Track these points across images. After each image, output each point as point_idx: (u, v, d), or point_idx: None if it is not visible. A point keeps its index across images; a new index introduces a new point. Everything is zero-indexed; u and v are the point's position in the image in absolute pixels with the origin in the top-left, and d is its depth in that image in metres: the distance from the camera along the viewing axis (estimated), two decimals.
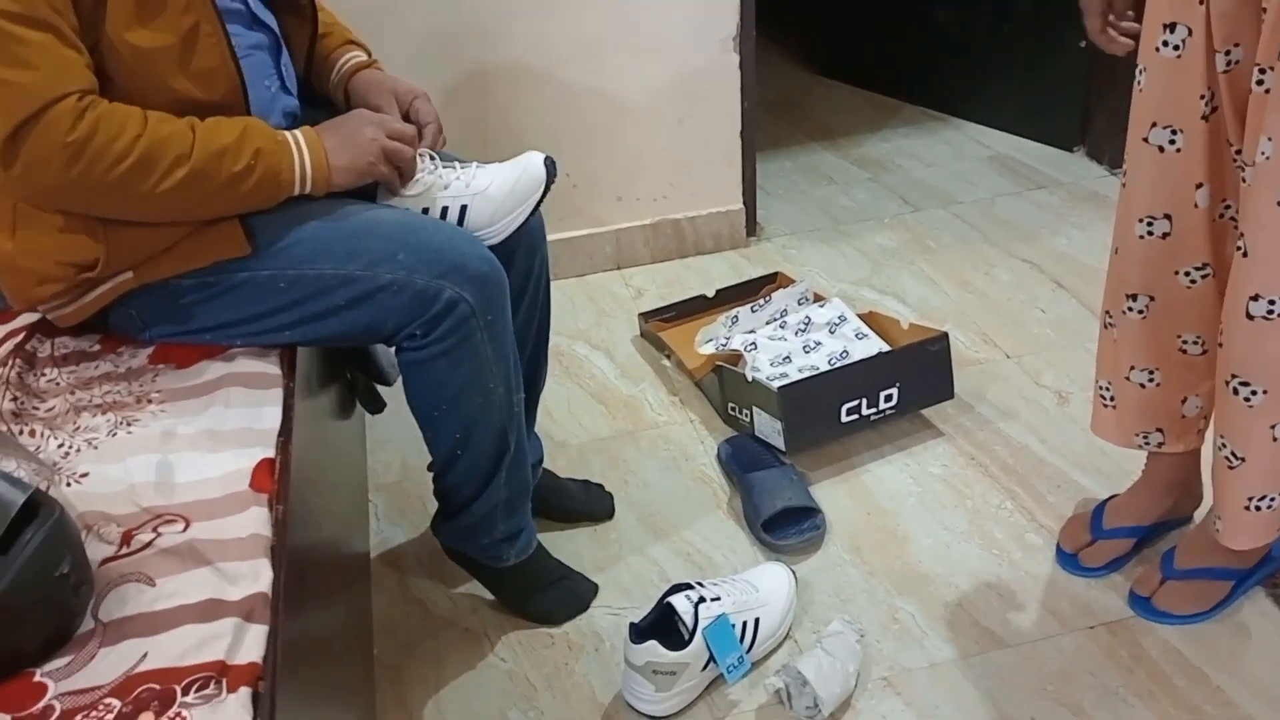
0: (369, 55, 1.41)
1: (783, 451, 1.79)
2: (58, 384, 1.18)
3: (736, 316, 2.09)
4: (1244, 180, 1.19)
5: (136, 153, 1.07)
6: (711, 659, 1.42)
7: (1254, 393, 1.24)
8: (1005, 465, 1.81)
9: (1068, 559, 1.58)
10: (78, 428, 1.11)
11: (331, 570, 1.30)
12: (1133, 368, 1.43)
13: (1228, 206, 1.29)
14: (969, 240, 2.47)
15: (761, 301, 2.11)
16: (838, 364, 1.92)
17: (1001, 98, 2.91)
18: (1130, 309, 1.39)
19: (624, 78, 2.25)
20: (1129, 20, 1.32)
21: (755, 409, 1.82)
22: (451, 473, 1.38)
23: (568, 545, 1.69)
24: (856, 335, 2.00)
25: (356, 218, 1.21)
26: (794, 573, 1.56)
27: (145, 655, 0.85)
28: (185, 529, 0.98)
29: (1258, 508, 1.32)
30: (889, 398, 1.81)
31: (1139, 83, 1.28)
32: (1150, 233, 1.33)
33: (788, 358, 1.99)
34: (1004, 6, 2.83)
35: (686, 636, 1.40)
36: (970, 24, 2.91)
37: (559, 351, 2.14)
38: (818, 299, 2.14)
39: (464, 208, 1.27)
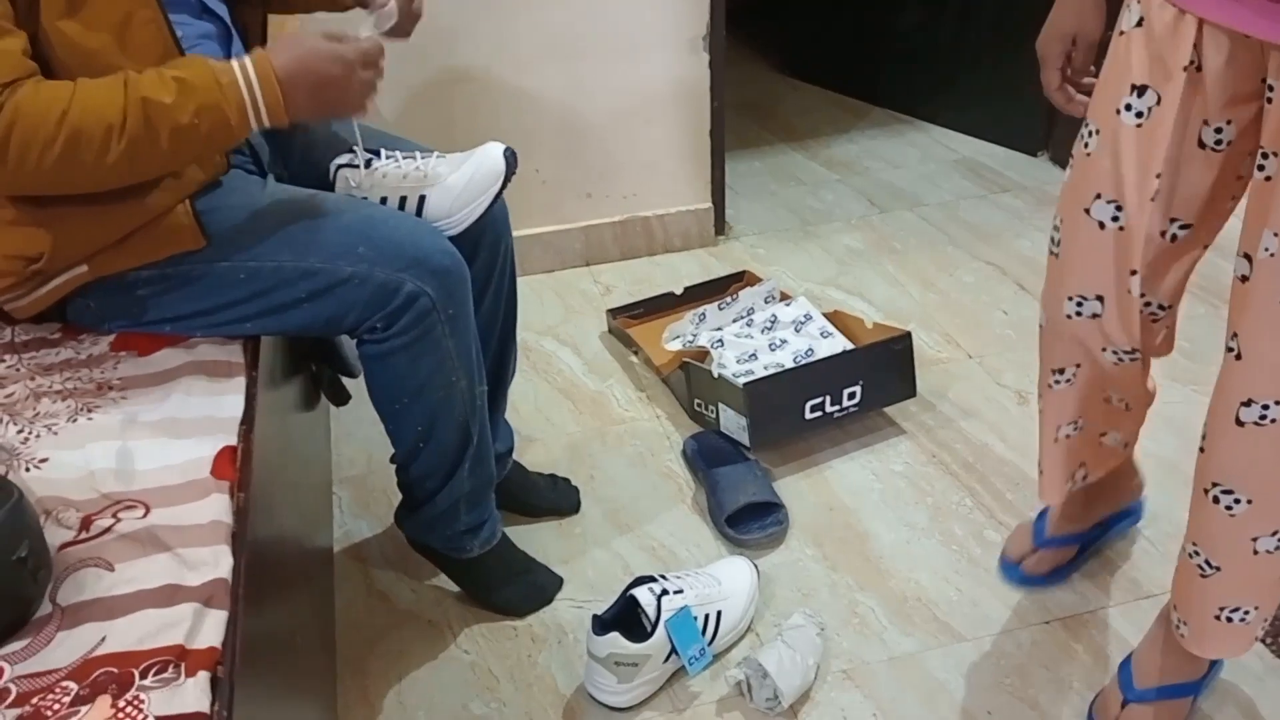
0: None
1: (747, 447, 1.80)
2: (17, 370, 1.17)
3: (704, 314, 2.10)
4: (1241, 277, 1.08)
5: (64, 133, 1.01)
6: (674, 651, 1.43)
7: (1237, 501, 1.15)
8: (965, 463, 1.84)
9: (1011, 568, 1.57)
10: (37, 414, 1.11)
11: (294, 561, 1.30)
12: (1059, 426, 1.37)
13: (1148, 301, 1.21)
14: (934, 242, 2.50)
15: (729, 299, 2.12)
16: (803, 362, 1.94)
17: (967, 102, 2.95)
18: (1058, 381, 1.33)
19: (594, 77, 2.26)
20: (1090, 77, 1.21)
21: (721, 405, 1.83)
22: (414, 465, 1.38)
23: (533, 539, 1.69)
24: (821, 334, 2.02)
25: (316, 210, 1.21)
26: (756, 567, 1.57)
27: (103, 639, 0.85)
28: (145, 515, 0.98)
29: (1229, 619, 1.23)
30: (852, 395, 1.83)
31: (1086, 144, 1.17)
32: (1079, 313, 1.24)
33: (754, 355, 2.00)
34: (970, 12, 2.86)
35: (649, 629, 1.42)
36: (937, 29, 2.95)
37: (527, 347, 2.14)
38: (784, 298, 2.16)
39: (422, 198, 1.27)
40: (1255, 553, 1.18)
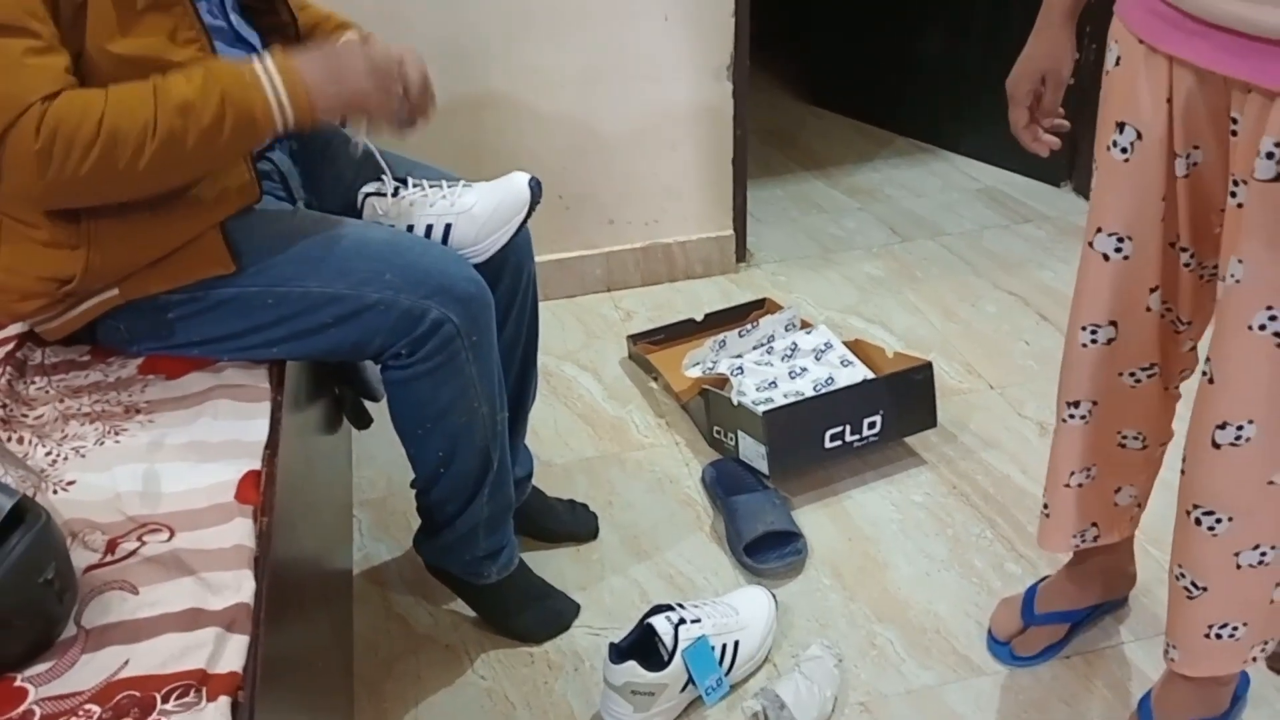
0: (361, 33, 1.37)
1: (766, 476, 1.80)
2: (47, 392, 1.19)
3: (724, 341, 2.11)
4: (1217, 302, 1.12)
5: (103, 135, 1.03)
6: (690, 680, 1.42)
7: (1218, 521, 1.17)
8: (986, 494, 1.83)
9: (1000, 647, 1.52)
10: (65, 436, 1.12)
11: (314, 585, 1.31)
12: (1072, 473, 1.37)
13: (1169, 308, 1.23)
14: (956, 271, 2.50)
15: (749, 327, 2.13)
16: (823, 390, 1.94)
17: (990, 131, 2.94)
18: (1072, 416, 1.33)
19: (619, 104, 2.28)
20: (1059, 118, 1.25)
21: (740, 433, 1.83)
22: (434, 490, 1.39)
23: (551, 564, 1.69)
24: (842, 362, 2.02)
25: (344, 236, 1.22)
26: (774, 596, 1.57)
27: (127, 662, 0.86)
28: (170, 538, 0.99)
29: (1219, 635, 1.24)
30: (872, 425, 1.83)
31: (1094, 181, 1.21)
32: (1094, 340, 1.26)
33: (773, 383, 2.00)
34: (993, 41, 2.87)
35: (666, 657, 1.41)
36: (960, 57, 2.96)
37: (547, 372, 2.15)
38: (805, 325, 2.16)
39: (448, 226, 1.29)
40: (1239, 568, 1.19)
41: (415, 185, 1.32)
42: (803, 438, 1.80)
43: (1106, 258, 1.20)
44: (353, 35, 1.36)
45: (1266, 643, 1.27)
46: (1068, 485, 1.39)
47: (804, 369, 2.03)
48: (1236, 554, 1.18)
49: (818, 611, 1.62)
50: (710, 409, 1.92)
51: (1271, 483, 1.13)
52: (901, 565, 1.69)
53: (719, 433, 1.91)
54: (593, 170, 2.34)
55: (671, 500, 1.84)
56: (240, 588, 0.93)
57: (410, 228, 1.30)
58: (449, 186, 1.33)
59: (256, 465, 1.09)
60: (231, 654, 0.88)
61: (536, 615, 1.57)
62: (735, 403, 1.84)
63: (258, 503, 1.04)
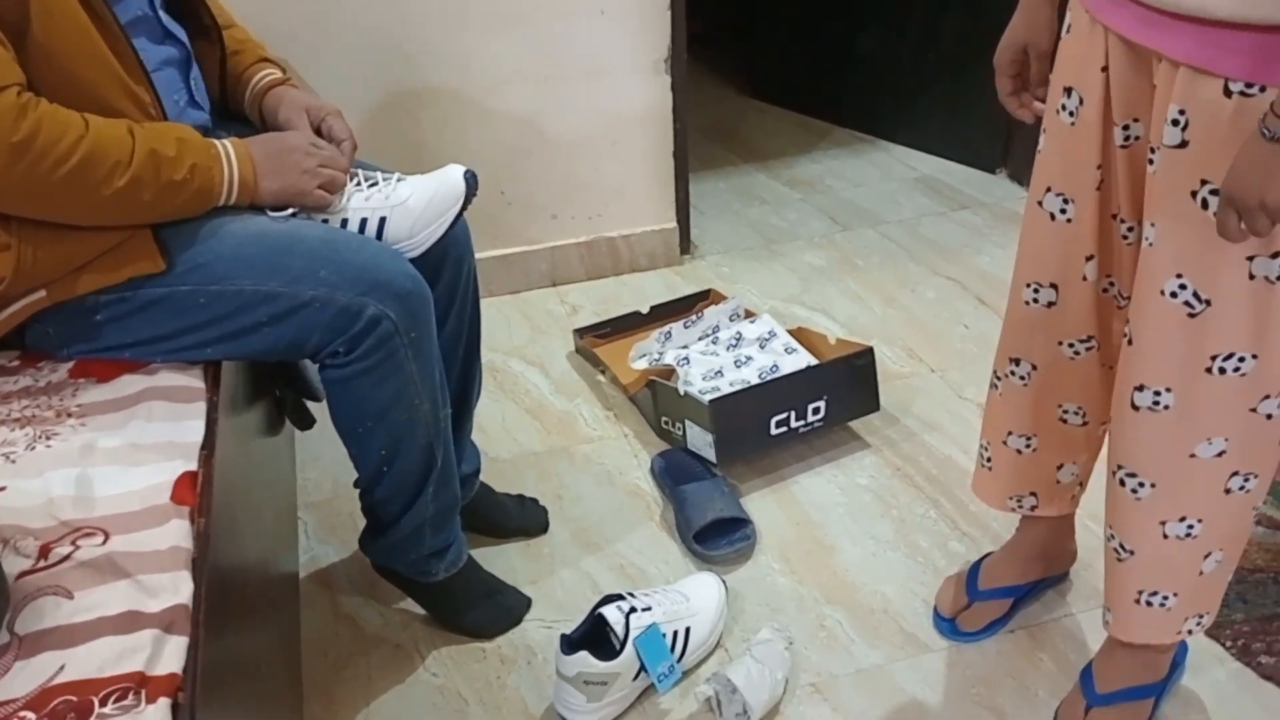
0: (283, 72, 1.42)
1: (714, 464, 1.81)
2: None
3: (670, 332, 2.12)
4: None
5: (79, 155, 1.07)
6: (643, 668, 1.43)
7: (1140, 485, 1.20)
8: (929, 475, 1.86)
9: (946, 624, 1.55)
10: None
11: (257, 587, 1.29)
12: (1010, 432, 1.41)
13: (1111, 282, 1.26)
14: (895, 259, 2.53)
15: (694, 318, 2.14)
16: (768, 378, 1.96)
17: (927, 121, 3.00)
18: (1013, 373, 1.37)
19: (559, 100, 2.28)
20: (1042, 88, 1.26)
21: (687, 422, 1.84)
22: (378, 489, 1.38)
23: (501, 560, 1.69)
24: (786, 350, 2.04)
25: (278, 234, 1.21)
26: (725, 582, 1.58)
27: (63, 667, 0.84)
28: (104, 542, 0.97)
29: (1149, 603, 1.27)
30: (816, 410, 1.85)
31: (1040, 144, 1.24)
32: (1035, 300, 1.29)
33: (719, 372, 2.02)
34: (930, 34, 2.91)
35: (618, 647, 1.42)
36: (897, 50, 3.00)
37: (494, 368, 2.14)
38: (749, 315, 2.18)
39: (383, 220, 1.28)
40: (1165, 537, 1.22)
41: (351, 179, 1.31)
42: (749, 425, 1.81)
43: (1053, 217, 1.23)
44: (271, 73, 1.40)
45: (1202, 616, 1.30)
46: (1005, 444, 1.43)
47: (749, 358, 2.05)
48: (1163, 523, 1.21)
49: (767, 596, 1.63)
50: (657, 400, 1.93)
51: (1194, 456, 1.16)
52: (848, 547, 1.72)
53: (667, 423, 1.92)
54: (534, 166, 2.33)
55: (620, 492, 1.85)
56: (178, 589, 0.92)
57: (344, 223, 1.28)
58: (383, 180, 1.31)
59: (192, 466, 1.07)
60: (170, 655, 0.86)
61: (487, 611, 1.56)
62: (682, 393, 1.85)
63: (194, 504, 1.03)
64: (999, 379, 1.41)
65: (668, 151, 2.41)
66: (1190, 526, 1.21)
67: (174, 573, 0.94)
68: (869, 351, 1.90)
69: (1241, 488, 1.18)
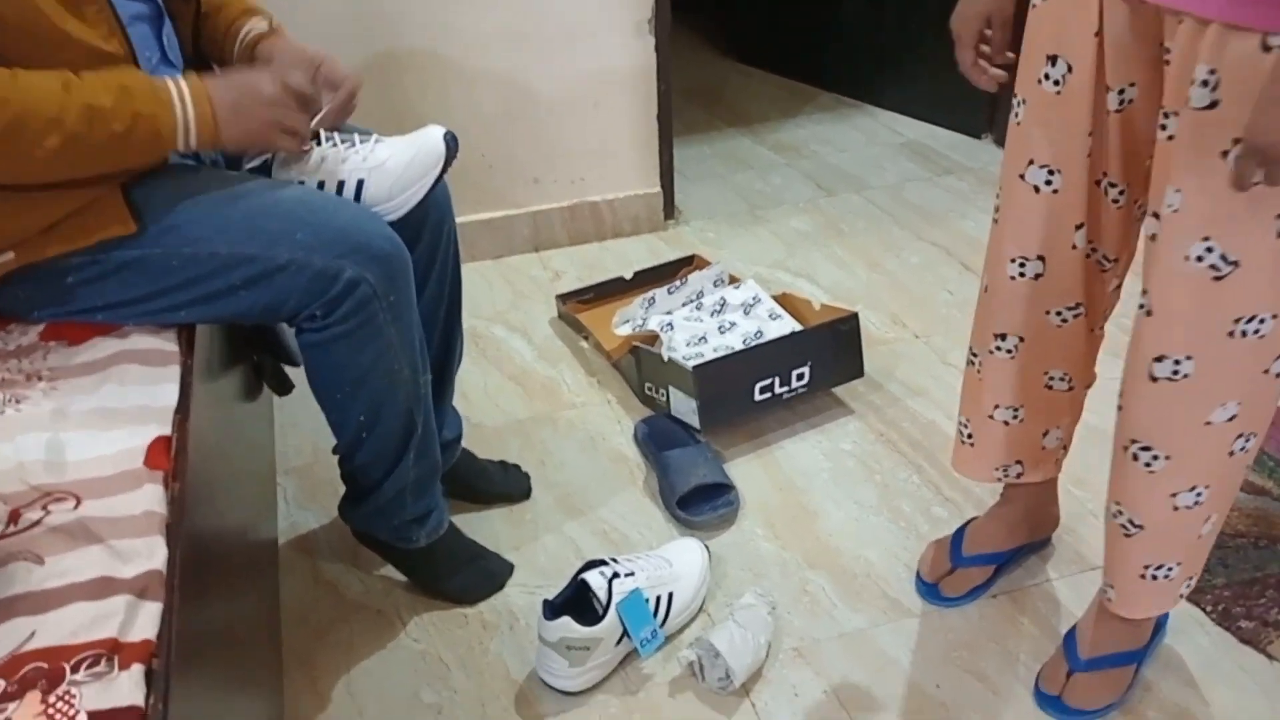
0: (271, 23, 1.37)
1: (698, 430, 1.80)
2: None
3: (653, 298, 2.10)
4: (1150, 236, 1.11)
5: (3, 120, 1.01)
6: (625, 633, 1.43)
7: (1155, 458, 1.17)
8: (913, 441, 1.85)
9: (929, 589, 1.54)
10: None
11: (235, 553, 1.28)
12: (997, 405, 1.39)
13: (1094, 248, 1.25)
14: (880, 224, 2.52)
15: (678, 283, 2.12)
16: (752, 344, 1.95)
17: (913, 86, 2.97)
18: (999, 348, 1.35)
19: (540, 62, 2.24)
20: (1005, 55, 1.25)
21: (671, 388, 1.83)
22: (357, 455, 1.36)
23: (484, 526, 1.68)
24: (770, 316, 2.02)
25: (253, 195, 1.18)
26: (708, 547, 1.58)
27: (33, 634, 0.83)
28: (76, 507, 0.95)
29: (1154, 576, 1.26)
30: (800, 376, 1.84)
31: (1016, 114, 1.21)
32: (1022, 274, 1.27)
33: (703, 338, 2.00)
34: None
35: (600, 612, 1.41)
36: (881, 13, 2.97)
37: (476, 334, 2.12)
38: (733, 281, 2.16)
39: (360, 182, 1.25)
40: (1175, 509, 1.21)
41: (327, 140, 1.28)
42: (733, 391, 1.80)
43: (1037, 190, 1.21)
44: (260, 25, 1.33)
45: (1192, 578, 1.31)
46: (992, 418, 1.42)
47: (733, 323, 2.04)
48: (1174, 494, 1.20)
49: (751, 561, 1.63)
50: (641, 366, 1.92)
51: (1208, 423, 1.14)
52: (832, 513, 1.71)
53: (650, 389, 1.90)
54: (516, 129, 2.30)
55: (604, 458, 1.84)
56: (152, 554, 0.90)
57: (321, 184, 1.26)
58: (361, 141, 1.29)
59: (166, 431, 1.05)
60: (144, 621, 0.85)
61: (469, 577, 1.55)
62: (665, 359, 1.83)
63: (168, 469, 1.01)
64: (976, 356, 1.40)
65: (651, 114, 2.38)
66: (1199, 495, 1.20)
67: (148, 538, 0.92)
68: (853, 317, 1.89)
69: (1243, 449, 1.18)
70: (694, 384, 1.76)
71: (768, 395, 1.82)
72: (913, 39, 2.91)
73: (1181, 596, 1.32)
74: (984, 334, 1.36)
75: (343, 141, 1.29)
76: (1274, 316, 1.08)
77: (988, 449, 1.45)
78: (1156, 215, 1.10)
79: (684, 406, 1.81)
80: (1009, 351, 1.34)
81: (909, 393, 1.96)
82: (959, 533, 1.59)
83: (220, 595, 1.14)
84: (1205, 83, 0.99)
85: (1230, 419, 1.14)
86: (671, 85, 2.36)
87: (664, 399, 1.86)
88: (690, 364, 1.78)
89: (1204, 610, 1.53)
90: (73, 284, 1.16)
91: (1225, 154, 1.00)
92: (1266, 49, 0.94)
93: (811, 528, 1.69)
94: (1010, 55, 1.25)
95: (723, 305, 2.08)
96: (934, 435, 1.86)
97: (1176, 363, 1.12)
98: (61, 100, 1.04)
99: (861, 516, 1.71)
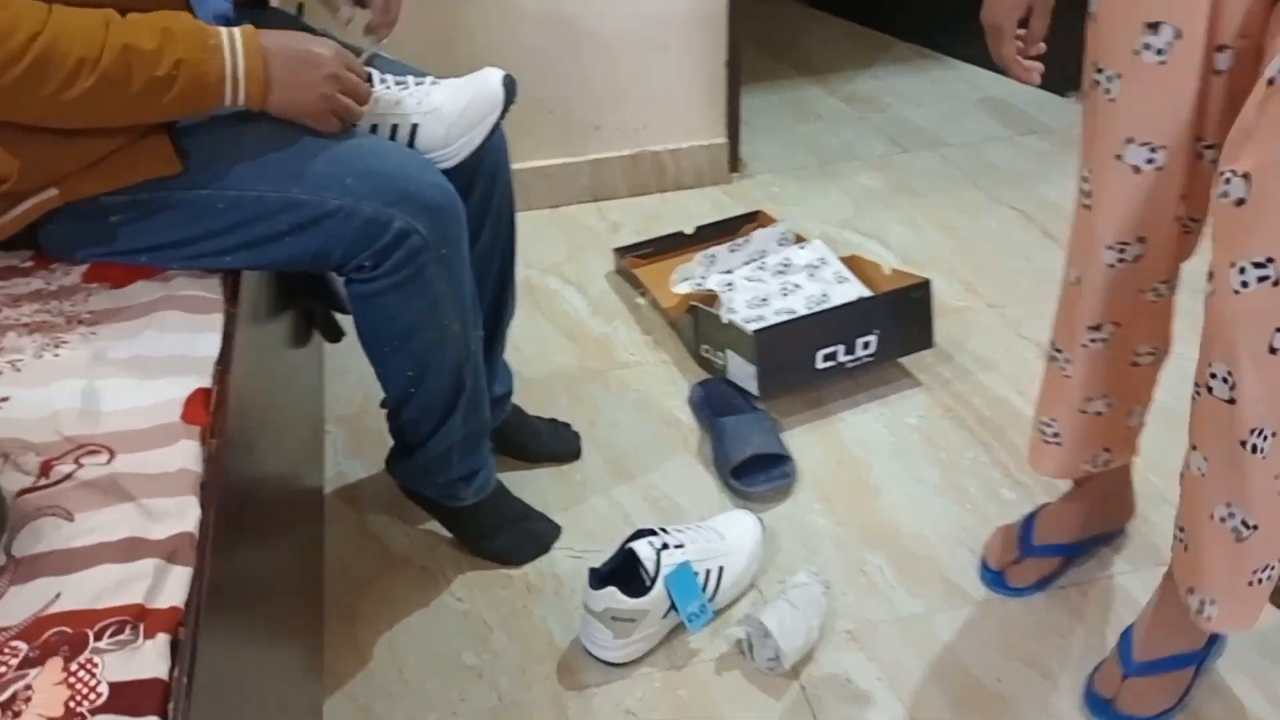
0: None
1: (755, 396, 1.73)
2: None
3: (714, 256, 2.02)
4: (1239, 200, 1.00)
5: (31, 55, 0.95)
6: (673, 607, 1.38)
7: (1266, 438, 1.05)
8: (982, 417, 1.77)
9: (994, 577, 1.47)
10: (2, 349, 1.04)
11: (276, 507, 1.25)
12: (1090, 398, 1.30)
13: (1192, 218, 1.17)
14: (955, 184, 2.40)
15: (740, 241, 2.04)
16: (815, 308, 1.86)
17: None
18: (1093, 340, 1.25)
19: (606, 2, 2.15)
20: (1040, 46, 1.17)
21: (729, 352, 1.76)
22: (405, 411, 1.32)
23: (531, 485, 1.64)
24: (837, 279, 1.94)
25: (302, 137, 1.12)
26: (761, 521, 1.52)
27: (58, 596, 0.79)
28: (109, 461, 0.91)
29: (1260, 580, 1.15)
30: (866, 345, 1.76)
31: (1108, 90, 1.10)
32: (1123, 259, 1.18)
33: (765, 300, 1.93)
34: None
35: (648, 583, 1.36)
36: None
37: (529, 285, 2.07)
38: (799, 240, 2.07)
39: (415, 127, 1.19)
40: (1278, 493, 1.10)
41: (380, 82, 1.22)
42: (794, 358, 1.72)
43: (1137, 169, 1.11)
44: None
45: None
46: (1084, 412, 1.33)
47: (797, 285, 1.95)
48: (1277, 476, 1.08)
49: (805, 536, 1.57)
50: (699, 326, 1.84)
51: None
52: (892, 490, 1.64)
53: (707, 351, 1.83)
54: (578, 72, 2.21)
55: (657, 420, 1.78)
56: (184, 515, 0.87)
57: (374, 128, 1.20)
58: (415, 84, 1.22)
59: (206, 383, 1.01)
60: (172, 587, 0.81)
61: (515, 537, 1.51)
62: (725, 320, 1.76)
63: (206, 424, 0.97)
64: (1061, 352, 1.30)
65: (719, 61, 2.28)
66: None
67: (181, 497, 0.88)
68: (925, 284, 1.80)
69: None
70: (754, 349, 1.69)
71: (831, 364, 1.75)
72: None
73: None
74: (1074, 328, 1.26)
75: (397, 83, 1.22)
76: None
77: (1078, 445, 1.35)
78: (1246, 176, 0.96)
79: (742, 372, 1.74)
80: (1104, 341, 1.25)
81: (980, 366, 1.87)
82: (1029, 519, 1.51)
83: (259, 547, 1.11)
84: None
85: None
86: (742, 29, 2.25)
87: (721, 363, 1.79)
88: (751, 327, 1.70)
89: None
90: (115, 224, 1.12)
91: None
92: None
93: (871, 504, 1.62)
94: (1044, 46, 1.16)
95: (787, 266, 1.99)
96: (1004, 412, 1.77)
97: None
98: (100, 38, 0.98)
99: (924, 495, 1.63)
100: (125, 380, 1.00)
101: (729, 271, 2.01)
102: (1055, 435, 1.36)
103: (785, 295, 1.94)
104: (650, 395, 1.83)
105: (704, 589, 1.40)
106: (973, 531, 1.56)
